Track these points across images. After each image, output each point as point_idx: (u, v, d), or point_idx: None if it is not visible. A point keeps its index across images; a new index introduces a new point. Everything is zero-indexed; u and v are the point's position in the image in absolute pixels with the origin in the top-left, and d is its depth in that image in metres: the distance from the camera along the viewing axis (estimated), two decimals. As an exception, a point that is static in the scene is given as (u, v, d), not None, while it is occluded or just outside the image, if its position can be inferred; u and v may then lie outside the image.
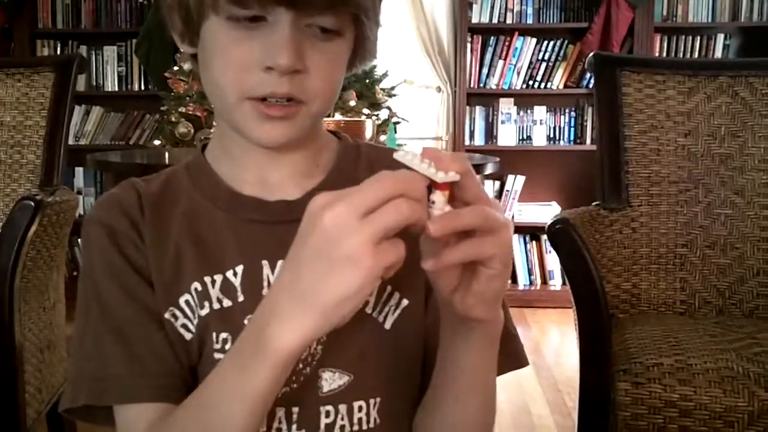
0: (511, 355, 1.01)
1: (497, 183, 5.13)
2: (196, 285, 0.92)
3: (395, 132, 4.07)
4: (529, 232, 5.01)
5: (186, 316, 0.92)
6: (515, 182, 5.08)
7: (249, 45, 0.84)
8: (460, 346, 0.84)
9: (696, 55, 4.89)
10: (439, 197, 0.70)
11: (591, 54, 2.62)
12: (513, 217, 5.08)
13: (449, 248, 0.72)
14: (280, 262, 0.92)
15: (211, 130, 2.78)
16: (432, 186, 0.70)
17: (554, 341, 4.39)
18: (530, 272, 5.13)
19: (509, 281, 5.09)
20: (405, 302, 0.95)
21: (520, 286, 5.11)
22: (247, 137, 0.90)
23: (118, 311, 0.91)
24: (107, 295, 0.92)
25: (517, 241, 5.10)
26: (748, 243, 2.42)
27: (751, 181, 2.44)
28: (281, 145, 0.89)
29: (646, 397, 1.87)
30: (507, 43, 4.99)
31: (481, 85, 5.04)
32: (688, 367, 1.87)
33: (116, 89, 5.24)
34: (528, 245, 5.09)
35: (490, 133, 5.10)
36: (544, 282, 5.09)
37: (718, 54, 4.88)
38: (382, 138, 3.78)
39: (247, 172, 0.96)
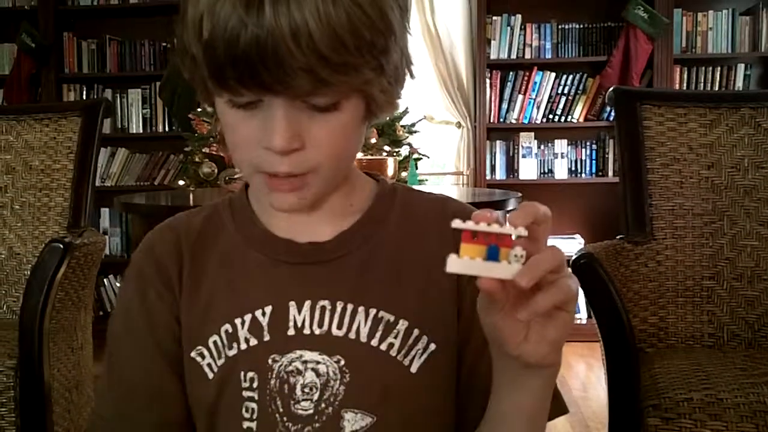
0: (556, 403, 1.00)
1: (520, 217, 5.11)
2: (227, 327, 0.94)
3: (416, 168, 4.08)
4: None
5: (212, 356, 0.94)
6: (538, 216, 5.06)
7: (250, 125, 0.85)
8: (522, 392, 0.85)
9: (717, 86, 4.88)
10: (514, 252, 0.72)
11: (611, 88, 2.63)
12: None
13: (540, 294, 0.73)
14: (307, 303, 0.94)
15: (236, 169, 2.80)
16: (499, 245, 0.72)
17: (581, 375, 4.36)
18: (555, 306, 5.10)
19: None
20: (432, 347, 0.95)
21: (545, 320, 5.07)
22: (267, 203, 0.92)
23: (126, 369, 0.98)
24: (121, 345, 0.99)
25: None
26: (775, 274, 2.41)
27: (777, 212, 2.43)
28: (297, 211, 0.92)
29: (676, 432, 1.85)
30: (526, 78, 5.01)
31: (501, 119, 5.05)
32: (718, 401, 1.85)
33: (141, 131, 5.31)
34: (552, 279, 5.07)
35: (511, 167, 5.11)
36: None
37: (739, 84, 4.87)
38: (404, 174, 3.80)
39: (281, 216, 0.98)
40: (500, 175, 5.11)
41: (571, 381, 4.23)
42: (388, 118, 4.07)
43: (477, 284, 0.73)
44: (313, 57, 0.77)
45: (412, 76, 0.93)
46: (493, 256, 0.71)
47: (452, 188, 4.64)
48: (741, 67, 4.90)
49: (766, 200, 2.44)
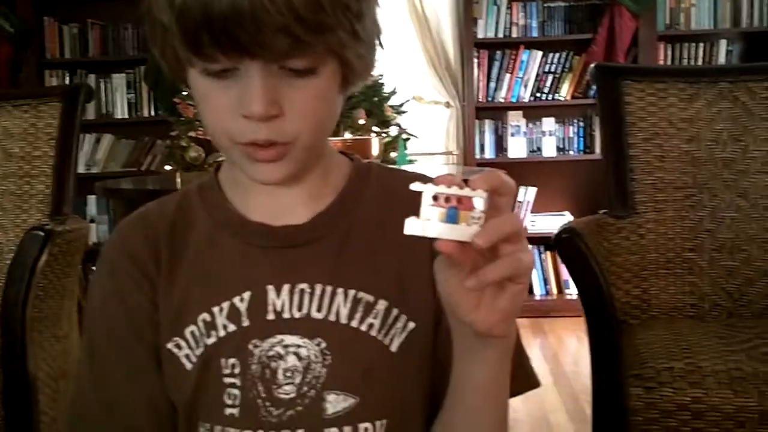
0: (525, 376, 1.02)
1: (509, 195, 5.14)
2: (205, 316, 0.94)
3: (406, 148, 4.10)
4: (543, 242, 5.02)
5: (190, 346, 0.94)
6: (527, 194, 5.10)
7: (226, 94, 0.84)
8: (476, 363, 0.85)
9: (700, 61, 4.92)
10: (473, 213, 0.71)
11: (593, 65, 2.66)
12: (526, 228, 5.09)
13: (492, 264, 0.73)
14: (285, 287, 0.94)
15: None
16: (458, 208, 0.71)
17: (572, 349, 4.40)
18: (546, 282, 5.15)
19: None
20: (411, 325, 0.95)
21: (537, 296, 5.12)
22: (246, 176, 0.91)
23: (102, 357, 0.97)
24: (96, 338, 0.97)
25: (531, 251, 5.11)
26: (754, 245, 2.44)
27: (755, 184, 2.46)
28: (277, 183, 0.90)
29: (658, 401, 1.89)
30: (513, 57, 5.04)
31: (490, 98, 5.08)
32: (698, 369, 1.89)
33: (126, 116, 5.23)
34: (542, 255, 5.11)
35: (500, 146, 5.13)
36: (560, 291, 5.10)
37: (722, 60, 4.90)
38: (393, 155, 3.81)
39: (255, 198, 0.97)
40: (489, 154, 5.14)
41: (562, 355, 4.27)
42: (376, 99, 4.09)
43: (435, 246, 0.72)
44: (289, 16, 0.77)
45: (381, 46, 0.92)
46: (452, 218, 0.71)
47: (442, 168, 4.66)
48: (723, 43, 4.94)
49: (744, 172, 2.47)
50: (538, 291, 5.13)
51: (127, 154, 5.27)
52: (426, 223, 0.71)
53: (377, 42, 0.91)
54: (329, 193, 0.98)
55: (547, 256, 5.10)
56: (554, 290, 5.12)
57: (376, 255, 0.96)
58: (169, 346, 0.94)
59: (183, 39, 0.81)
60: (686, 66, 4.73)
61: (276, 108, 0.83)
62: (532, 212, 5.11)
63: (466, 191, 0.71)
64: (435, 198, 0.71)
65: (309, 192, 0.96)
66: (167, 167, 3.58)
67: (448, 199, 0.71)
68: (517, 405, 3.49)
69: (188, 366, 0.94)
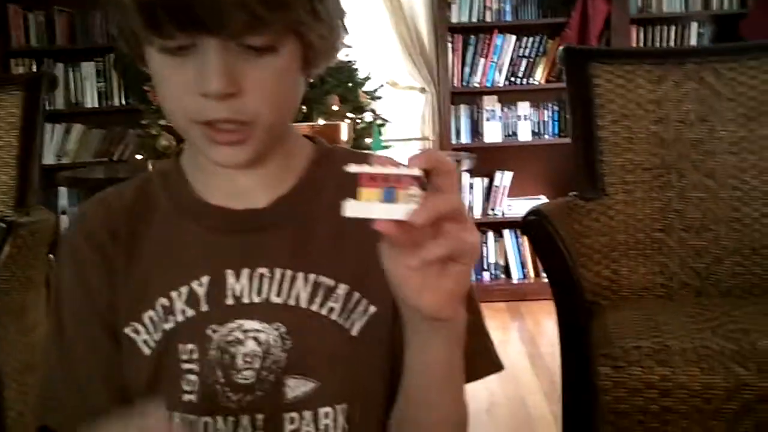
0: (488, 359, 1.02)
1: (486, 180, 5.16)
2: (163, 301, 0.93)
3: (380, 134, 4.09)
4: (520, 226, 5.03)
5: (148, 332, 0.93)
6: (503, 178, 5.11)
7: (183, 72, 0.83)
8: (425, 348, 0.84)
9: (672, 44, 4.94)
10: (410, 192, 0.70)
11: (561, 48, 2.67)
12: (503, 213, 5.12)
13: (432, 242, 0.72)
14: (245, 271, 0.93)
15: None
16: (395, 187, 0.70)
17: (549, 332, 4.40)
18: (523, 266, 5.16)
19: (503, 275, 5.14)
20: (372, 309, 0.94)
21: (514, 280, 5.14)
22: (207, 158, 0.90)
23: (71, 341, 0.95)
24: (62, 321, 0.96)
25: (508, 235, 5.14)
26: (722, 224, 2.46)
27: (722, 164, 2.48)
28: (241, 167, 0.90)
29: (626, 379, 1.91)
30: (487, 41, 5.03)
31: (464, 83, 5.08)
32: (666, 348, 1.91)
33: (96, 105, 5.13)
34: (519, 239, 5.13)
35: (476, 130, 5.14)
36: (537, 275, 5.12)
37: (693, 42, 4.93)
38: (368, 141, 3.80)
39: (216, 182, 0.95)
40: (465, 139, 5.14)
41: (539, 338, 4.29)
42: (350, 84, 4.08)
43: (373, 227, 0.71)
44: None
45: (345, 29, 0.92)
46: (389, 197, 0.70)
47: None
48: (694, 25, 4.97)
49: (711, 153, 2.49)
50: (515, 275, 5.16)
51: (98, 143, 5.17)
52: (364, 204, 0.71)
53: (341, 24, 0.91)
54: (291, 177, 0.97)
55: (524, 240, 5.11)
56: (531, 274, 5.14)
57: (338, 239, 0.95)
58: (127, 331, 0.93)
59: (139, 15, 0.80)
60: (654, 48, 4.75)
61: (234, 86, 0.82)
62: (508, 196, 5.13)
63: (401, 170, 0.70)
64: (373, 179, 0.70)
65: (270, 176, 0.95)
66: (138, 156, 3.55)
67: (386, 179, 0.70)
68: (495, 388, 3.51)
69: (146, 351, 0.93)
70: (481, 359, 1.00)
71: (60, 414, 0.94)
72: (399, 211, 0.70)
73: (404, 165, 0.71)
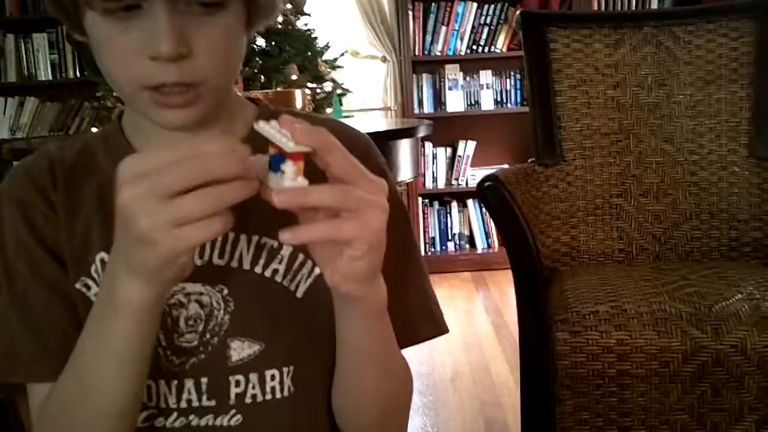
0: (432, 321, 1.02)
1: (449, 149, 5.15)
2: (103, 255, 0.91)
3: (341, 104, 4.06)
4: (477, 192, 5.03)
5: (99, 285, 0.90)
6: (466, 148, 5.10)
7: (129, 35, 0.80)
8: (342, 319, 0.84)
9: (634, 8, 4.93)
10: (289, 167, 0.68)
11: (518, 12, 2.65)
12: (467, 182, 5.11)
13: (306, 225, 0.71)
14: None
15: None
16: (284, 155, 0.68)
17: (513, 302, 4.38)
18: (488, 236, 5.17)
19: (468, 245, 5.14)
20: (317, 271, 0.93)
21: (479, 250, 5.15)
22: (153, 122, 0.87)
23: (25, 290, 0.91)
24: (15, 272, 0.91)
25: (472, 206, 5.14)
26: (679, 189, 2.46)
27: (680, 128, 2.48)
28: (188, 128, 0.87)
29: (583, 344, 1.90)
30: (448, 9, 5.00)
31: (426, 52, 5.04)
32: (623, 312, 1.91)
33: (50, 78, 5.03)
34: (483, 209, 5.12)
35: (438, 100, 5.11)
36: (502, 245, 5.11)
37: (655, 6, 4.93)
38: (328, 111, 3.77)
39: (157, 144, 0.91)
40: (428, 108, 5.12)
41: (503, 307, 4.30)
42: (309, 54, 4.04)
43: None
44: None
45: None
46: (275, 166, 0.69)
47: (381, 121, 4.64)
48: (656, -11, 4.97)
49: (669, 117, 2.49)
50: (480, 245, 5.17)
51: (53, 117, 5.10)
52: (260, 158, 0.69)
53: None
54: (234, 139, 0.94)
55: (488, 209, 5.11)
56: (496, 244, 5.15)
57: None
58: (78, 286, 0.91)
59: None
60: (611, 11, 4.72)
61: (184, 47, 0.80)
62: (471, 166, 5.12)
63: (288, 144, 0.67)
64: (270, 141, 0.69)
65: (213, 137, 0.93)
66: (94, 129, 3.51)
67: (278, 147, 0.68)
68: (460, 357, 3.53)
69: None
70: (424, 322, 1.00)
71: (24, 366, 0.90)
72: (279, 182, 0.69)
73: (308, 125, 0.69)
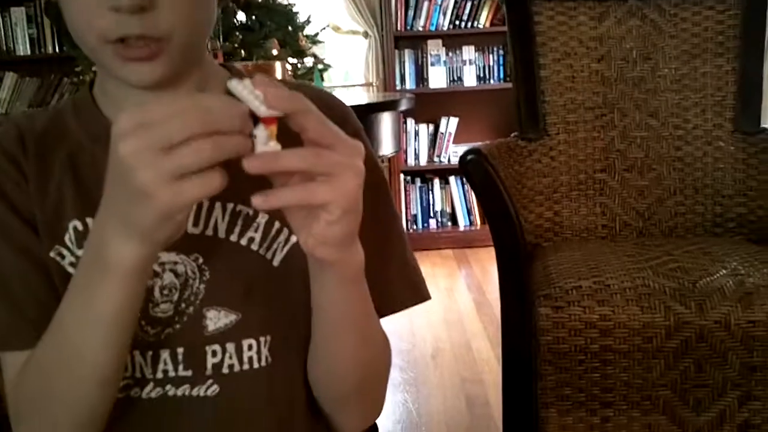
0: (412, 288, 1.01)
1: (431, 126, 5.12)
2: (76, 224, 0.89)
3: (322, 79, 4.03)
4: (459, 166, 5.01)
5: (73, 254, 0.89)
6: (449, 124, 5.08)
7: None
8: (317, 283, 0.82)
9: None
10: (261, 131, 0.66)
11: (502, -15, 2.62)
12: (449, 159, 5.09)
13: (278, 189, 0.69)
14: None
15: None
16: (258, 119, 0.66)
17: (495, 279, 4.38)
18: (470, 213, 5.16)
19: (450, 223, 5.13)
20: (294, 239, 0.91)
21: (461, 227, 5.14)
22: (117, 78, 0.86)
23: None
24: None
25: (454, 182, 5.12)
26: (664, 164, 2.45)
27: (665, 102, 2.46)
28: (153, 84, 0.85)
29: (566, 320, 1.89)
30: (431, -16, 4.97)
31: (408, 27, 5.01)
32: (606, 287, 1.89)
33: (29, 53, 5.00)
34: (466, 186, 5.11)
35: (421, 75, 5.08)
36: (484, 222, 5.11)
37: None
38: (309, 86, 3.73)
39: (127, 108, 0.92)
40: (410, 84, 5.09)
41: (485, 284, 4.30)
42: (290, 28, 4.01)
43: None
44: None
45: None
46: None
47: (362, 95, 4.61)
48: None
49: (654, 91, 2.47)
50: (462, 222, 5.15)
51: (32, 92, 5.06)
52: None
53: None
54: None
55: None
56: (478, 221, 5.14)
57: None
58: (52, 254, 0.89)
59: None
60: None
61: None
62: (454, 143, 5.10)
63: (260, 108, 0.66)
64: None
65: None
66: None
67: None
68: (441, 333, 3.53)
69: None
70: (404, 290, 0.99)
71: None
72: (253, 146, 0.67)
73: (283, 88, 0.67)
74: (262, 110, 0.65)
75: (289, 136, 0.68)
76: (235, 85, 0.66)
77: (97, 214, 0.73)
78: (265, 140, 0.66)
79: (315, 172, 0.68)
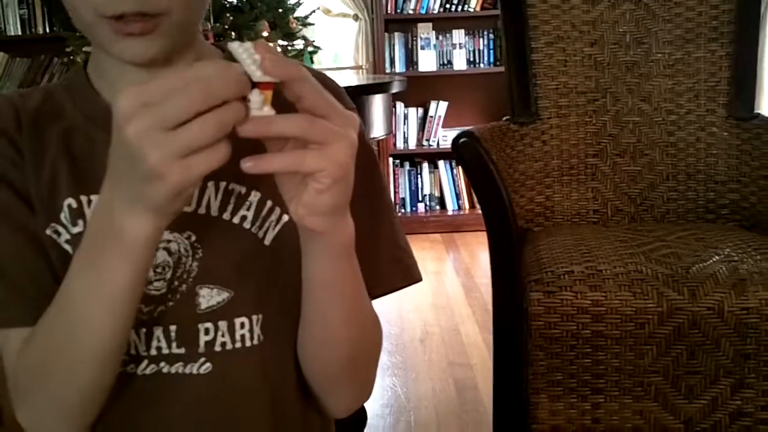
0: (403, 270, 1.00)
1: (420, 110, 5.10)
2: (71, 201, 0.89)
3: (312, 62, 4.01)
4: (452, 149, 5.00)
5: (69, 231, 0.89)
6: (438, 108, 5.06)
7: None
8: (307, 254, 0.82)
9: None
10: (255, 96, 0.66)
11: (495, -33, 2.59)
12: (438, 143, 5.07)
13: (268, 155, 0.70)
14: None
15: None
16: (252, 84, 0.66)
17: (484, 263, 4.42)
18: (458, 197, 5.15)
19: (438, 207, 5.12)
20: (285, 218, 0.91)
21: (449, 211, 5.13)
22: (112, 55, 0.85)
23: None
24: None
25: (443, 167, 5.11)
26: (657, 149, 2.43)
27: (657, 87, 2.44)
28: (148, 61, 0.84)
29: (558, 305, 1.88)
30: (422, -33, 4.94)
31: (398, 10, 4.98)
32: (598, 273, 1.88)
33: (19, 33, 5.02)
34: (455, 170, 5.10)
35: (410, 59, 5.06)
36: (473, 206, 5.11)
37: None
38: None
39: (122, 87, 0.91)
40: (400, 67, 5.07)
41: (474, 269, 4.30)
42: (280, 11, 3.98)
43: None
44: None
45: None
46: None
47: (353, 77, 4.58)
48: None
49: (647, 76, 2.45)
50: (450, 206, 5.14)
51: (22, 73, 5.07)
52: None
53: None
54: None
55: (460, 170, 5.09)
56: (466, 205, 5.14)
57: (248, 145, 0.91)
58: (48, 232, 0.88)
59: None
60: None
61: None
62: (443, 127, 5.08)
63: (256, 73, 0.65)
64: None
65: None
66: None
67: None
68: (429, 318, 3.52)
69: (72, 251, 0.88)
70: (394, 271, 0.99)
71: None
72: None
73: (279, 54, 0.67)
74: (258, 75, 0.65)
75: (285, 108, 0.68)
76: (236, 47, 0.66)
77: (102, 191, 0.73)
78: (259, 105, 0.66)
79: (307, 139, 0.68)
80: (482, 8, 4.95)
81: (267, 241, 0.91)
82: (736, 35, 2.40)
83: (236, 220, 0.91)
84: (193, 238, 0.89)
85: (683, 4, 2.44)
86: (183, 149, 0.64)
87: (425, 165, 5.13)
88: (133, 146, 0.64)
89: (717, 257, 1.91)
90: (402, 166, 5.15)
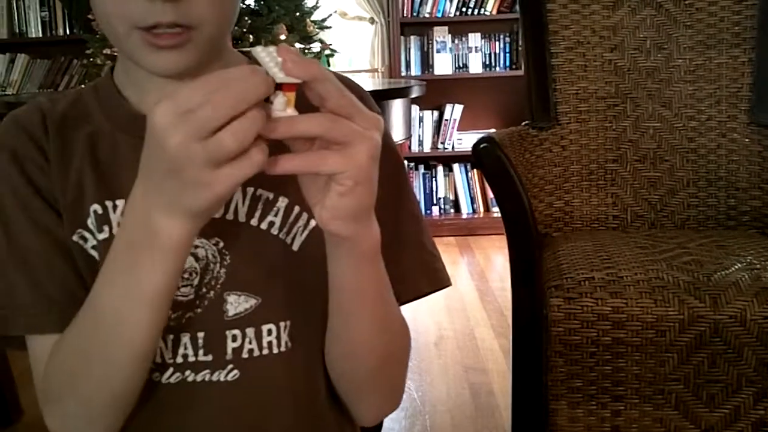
0: (430, 275, 0.99)
1: (435, 113, 5.10)
2: (96, 207, 0.89)
3: (328, 65, 4.01)
4: (470, 160, 5.00)
5: (95, 237, 0.89)
6: (453, 111, 5.05)
7: None
8: (333, 260, 0.81)
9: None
10: (279, 98, 0.66)
11: (515, -29, 2.59)
12: (453, 146, 5.06)
13: (290, 155, 0.69)
14: None
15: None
16: (275, 86, 0.66)
17: (498, 267, 4.42)
18: (473, 200, 5.14)
19: (453, 210, 5.11)
20: (313, 223, 0.91)
21: (464, 215, 5.12)
22: (142, 67, 0.85)
23: (23, 239, 0.88)
24: (12, 223, 0.89)
25: (458, 170, 5.10)
26: (677, 155, 2.42)
27: (678, 93, 2.43)
28: (178, 74, 0.85)
29: (578, 311, 1.87)
30: (438, -30, 4.93)
31: (415, 14, 4.98)
32: (619, 279, 1.87)
33: (40, 35, 5.06)
34: (469, 174, 5.09)
35: (426, 62, 5.06)
36: (487, 210, 5.11)
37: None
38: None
39: (150, 95, 0.90)
40: (415, 71, 5.06)
41: (489, 272, 4.29)
42: (297, 14, 3.98)
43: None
44: None
45: None
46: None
47: (371, 81, 4.58)
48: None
49: (667, 81, 2.44)
50: (465, 209, 5.14)
51: (43, 74, 5.11)
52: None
53: None
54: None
55: (474, 174, 5.08)
56: (481, 208, 5.13)
57: (276, 151, 0.91)
58: (75, 238, 0.88)
59: None
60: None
61: None
62: (458, 130, 5.08)
63: (278, 75, 0.66)
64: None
65: None
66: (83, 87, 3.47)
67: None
68: (444, 321, 3.51)
69: (98, 257, 0.88)
70: (421, 276, 0.98)
71: (26, 318, 0.87)
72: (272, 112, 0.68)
73: (307, 57, 0.67)
74: (280, 76, 0.65)
75: (309, 112, 0.68)
76: (258, 51, 0.66)
77: (132, 197, 0.74)
78: (282, 107, 0.67)
79: (329, 139, 0.67)
80: (498, 12, 4.95)
81: (295, 247, 0.91)
82: (759, 41, 2.38)
83: (264, 226, 0.90)
84: (221, 244, 0.89)
85: (705, 9, 2.42)
86: (223, 158, 0.64)
87: (440, 168, 5.12)
88: (177, 159, 0.65)
89: (739, 265, 1.89)
90: (417, 169, 5.15)
